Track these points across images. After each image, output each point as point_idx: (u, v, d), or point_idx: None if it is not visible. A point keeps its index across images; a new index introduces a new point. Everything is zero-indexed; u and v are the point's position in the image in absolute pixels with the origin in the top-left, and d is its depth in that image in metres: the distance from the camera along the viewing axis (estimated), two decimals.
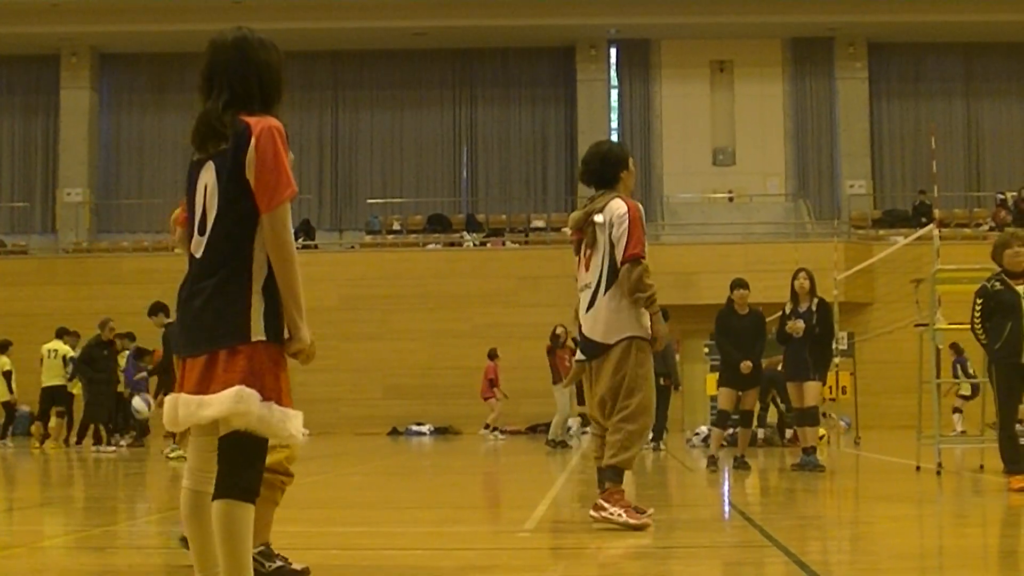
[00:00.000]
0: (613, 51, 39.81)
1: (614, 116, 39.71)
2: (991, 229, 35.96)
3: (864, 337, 28.60)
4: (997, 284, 12.90)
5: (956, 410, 27.48)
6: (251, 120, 5.30)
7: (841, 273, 24.51)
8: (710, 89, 39.56)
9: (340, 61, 39.49)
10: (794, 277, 16.73)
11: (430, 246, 36.54)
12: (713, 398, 20.36)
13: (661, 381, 22.55)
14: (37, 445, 26.67)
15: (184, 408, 5.28)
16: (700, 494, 14.00)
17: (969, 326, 13.36)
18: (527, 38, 39.02)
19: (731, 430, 19.53)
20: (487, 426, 29.57)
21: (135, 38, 38.71)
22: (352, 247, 36.20)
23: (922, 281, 17.07)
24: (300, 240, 36.92)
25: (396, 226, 38.22)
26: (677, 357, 23.79)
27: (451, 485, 15.68)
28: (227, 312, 5.21)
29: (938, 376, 15.62)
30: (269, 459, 7.53)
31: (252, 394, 5.15)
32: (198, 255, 5.34)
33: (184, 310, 5.36)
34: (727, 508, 11.85)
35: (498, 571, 7.60)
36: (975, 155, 39.41)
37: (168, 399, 5.41)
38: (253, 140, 5.22)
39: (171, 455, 20.63)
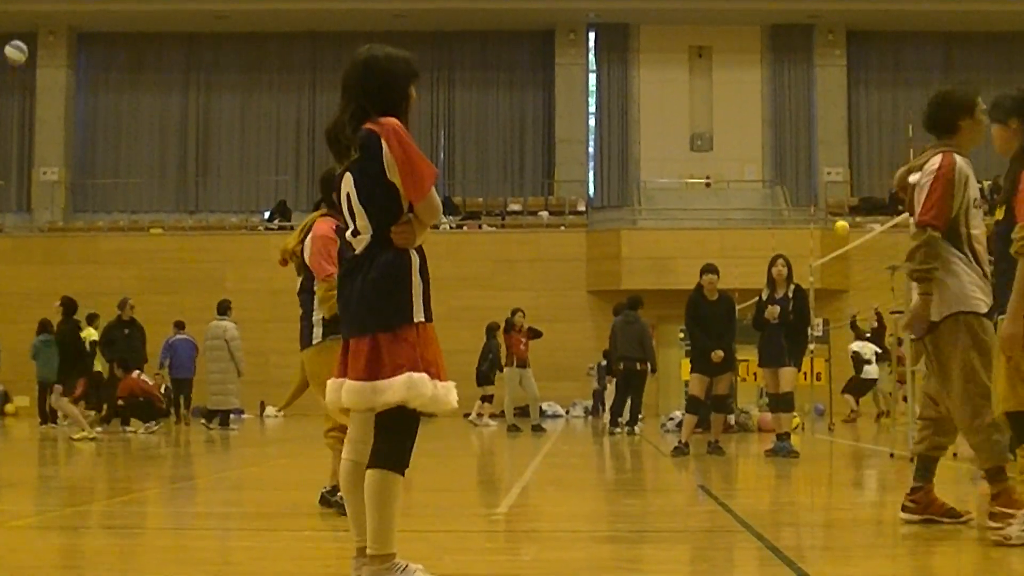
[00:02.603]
0: (592, 35, 39.74)
1: (592, 100, 39.66)
2: None
3: (839, 324, 28.65)
4: None
5: None
6: (375, 127, 5.89)
7: (817, 260, 24.53)
8: (688, 75, 39.52)
9: (319, 42, 39.33)
10: (771, 264, 16.74)
11: None
12: (687, 383, 20.39)
13: (638, 366, 22.68)
14: None
15: (357, 394, 5.83)
16: (673, 479, 14.01)
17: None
18: (506, 21, 38.96)
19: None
20: None
21: (112, 17, 38.52)
22: None
23: (898, 268, 17.06)
24: (276, 221, 36.89)
25: None
26: (653, 342, 23.81)
27: (424, 467, 15.65)
28: (394, 294, 5.85)
29: (913, 363, 15.62)
30: (329, 425, 9.10)
31: (422, 378, 5.76)
32: (358, 251, 5.98)
33: (347, 297, 6.00)
34: (700, 493, 11.86)
35: (470, 553, 7.60)
36: None
37: (331, 383, 6.07)
38: (385, 146, 5.83)
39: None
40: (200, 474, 14.83)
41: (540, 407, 26.69)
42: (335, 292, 8.88)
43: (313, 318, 9.35)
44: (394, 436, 5.86)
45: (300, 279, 9.52)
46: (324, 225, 9.27)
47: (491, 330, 27.06)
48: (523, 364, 24.64)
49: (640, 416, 23.32)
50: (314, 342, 9.34)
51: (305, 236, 9.38)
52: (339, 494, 9.15)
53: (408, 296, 5.86)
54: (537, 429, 24.42)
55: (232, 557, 7.69)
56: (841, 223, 26.00)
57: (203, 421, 25.44)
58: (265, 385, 32.24)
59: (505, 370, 25.13)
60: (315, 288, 9.25)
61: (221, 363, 24.41)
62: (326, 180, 9.37)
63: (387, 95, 6.03)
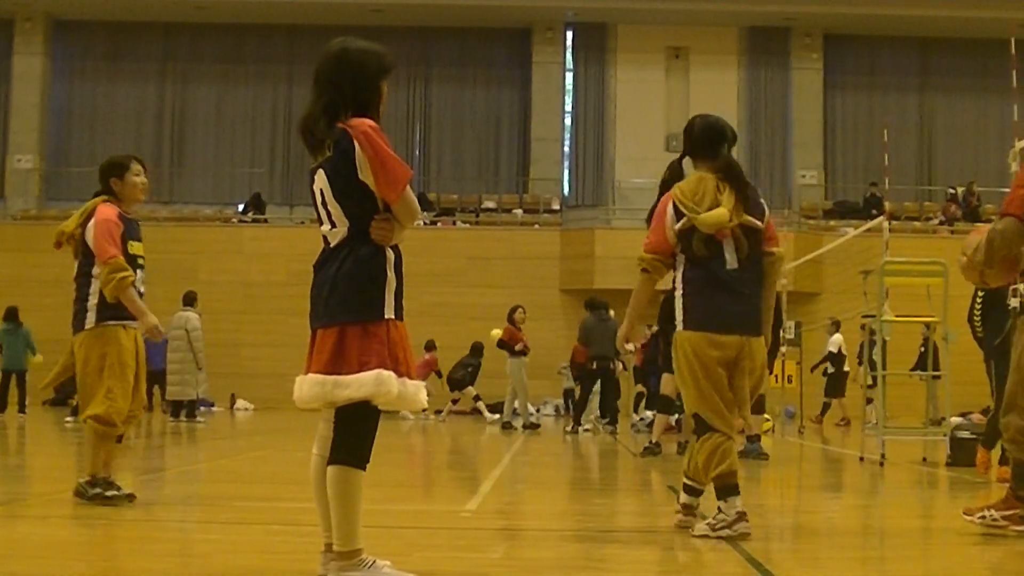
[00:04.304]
0: (569, 34, 39.73)
1: (569, 99, 39.64)
2: (941, 223, 36.19)
3: (811, 327, 28.71)
4: None
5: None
6: (347, 127, 5.85)
7: (790, 263, 24.60)
8: (665, 75, 39.53)
9: (297, 35, 39.21)
10: None
11: None
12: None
13: (611, 365, 22.74)
14: None
15: (318, 387, 5.81)
16: (643, 479, 14.02)
17: (967, 318, 13.50)
18: (484, 18, 38.91)
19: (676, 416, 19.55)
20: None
21: (90, 5, 38.35)
22: (302, 222, 35.96)
23: (871, 273, 17.11)
24: (250, 214, 36.81)
25: None
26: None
27: (395, 464, 15.65)
28: (367, 288, 5.82)
29: (884, 368, 15.66)
30: (98, 410, 9.10)
31: (391, 376, 5.74)
32: (333, 243, 5.93)
33: (318, 287, 5.91)
34: (669, 494, 11.86)
35: (440, 550, 7.59)
36: (927, 149, 39.59)
37: (297, 379, 5.96)
38: (357, 146, 5.79)
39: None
40: (169, 466, 14.79)
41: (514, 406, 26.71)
42: (116, 275, 9.14)
43: (88, 302, 9.36)
44: (355, 431, 5.86)
45: (77, 263, 9.50)
46: (108, 210, 9.36)
47: (476, 350, 26.89)
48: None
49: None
50: (87, 326, 9.36)
51: (87, 220, 9.37)
52: (97, 488, 9.27)
53: (381, 292, 5.85)
54: (507, 427, 24.44)
55: (199, 549, 7.67)
56: None
57: (168, 414, 25.32)
58: (237, 377, 32.22)
59: (508, 362, 25.02)
60: (95, 272, 9.32)
61: (181, 353, 24.27)
62: (105, 169, 9.49)
63: (359, 89, 6.01)
